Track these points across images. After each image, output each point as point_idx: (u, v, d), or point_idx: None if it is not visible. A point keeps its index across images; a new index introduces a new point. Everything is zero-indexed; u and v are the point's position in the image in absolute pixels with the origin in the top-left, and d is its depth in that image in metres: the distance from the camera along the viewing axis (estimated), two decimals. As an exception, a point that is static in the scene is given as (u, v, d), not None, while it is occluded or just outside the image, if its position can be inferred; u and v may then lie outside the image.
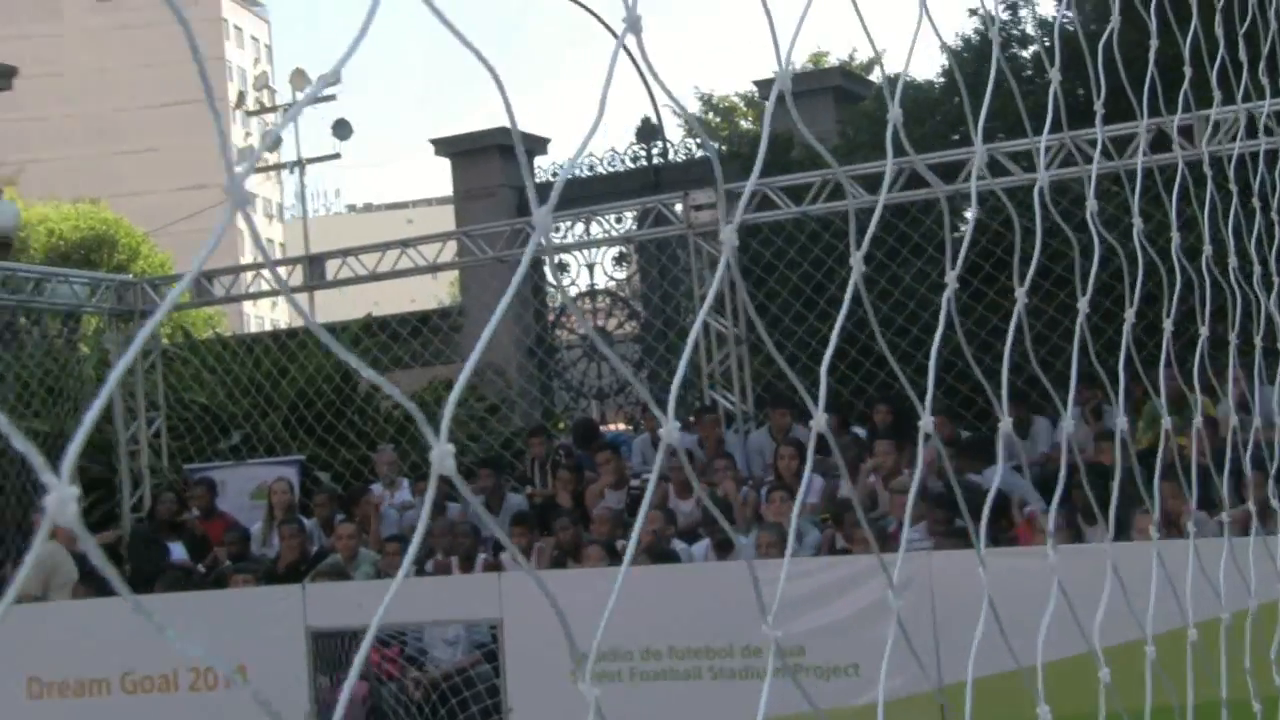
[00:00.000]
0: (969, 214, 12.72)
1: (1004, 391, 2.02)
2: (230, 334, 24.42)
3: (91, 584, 10.84)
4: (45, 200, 40.56)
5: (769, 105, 1.39)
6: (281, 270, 14.70)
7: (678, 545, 9.87)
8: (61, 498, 0.82)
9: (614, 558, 9.55)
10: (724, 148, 21.79)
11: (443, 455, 1.00)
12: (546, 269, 15.06)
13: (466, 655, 9.43)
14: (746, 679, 8.30)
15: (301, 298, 35.33)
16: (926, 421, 1.65)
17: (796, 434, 11.22)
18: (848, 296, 1.49)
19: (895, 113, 1.72)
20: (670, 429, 1.14)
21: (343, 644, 9.49)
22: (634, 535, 1.60)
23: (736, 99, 31.02)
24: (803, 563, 8.49)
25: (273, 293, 15.54)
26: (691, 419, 12.00)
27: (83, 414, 0.83)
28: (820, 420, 1.29)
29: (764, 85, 21.47)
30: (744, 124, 30.13)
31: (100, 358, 15.39)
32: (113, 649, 9.36)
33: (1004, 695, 3.57)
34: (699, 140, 19.48)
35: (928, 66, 24.71)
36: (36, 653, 9.39)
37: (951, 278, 1.74)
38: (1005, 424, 1.90)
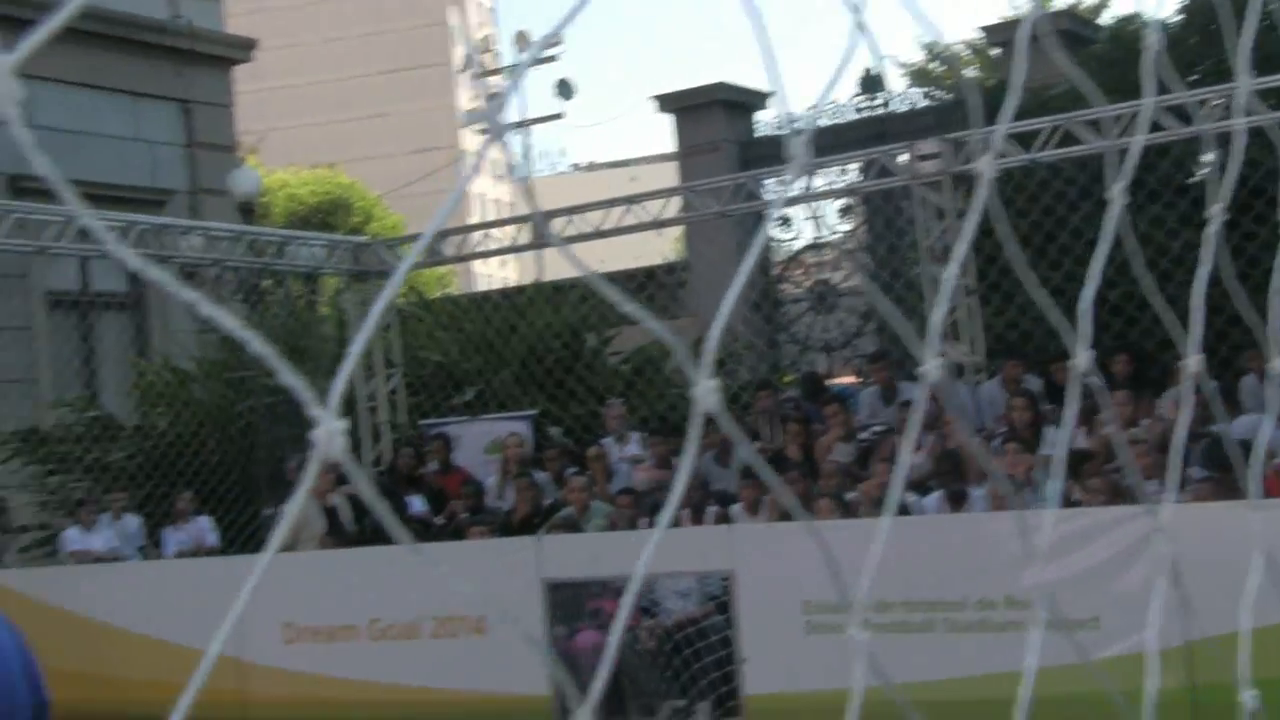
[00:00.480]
0: (1204, 158, 12.25)
1: (1274, 335, 1.96)
2: (460, 293, 24.99)
3: (338, 537, 11.28)
4: (284, 167, 41.96)
5: (1019, 46, 1.37)
6: (510, 229, 14.97)
7: (908, 498, 9.81)
8: (330, 430, 0.82)
9: (844, 510, 9.53)
10: (950, 96, 21.39)
11: (707, 391, 0.98)
12: (772, 224, 15.03)
13: (699, 606, 9.55)
14: (982, 632, 8.22)
15: (528, 256, 35.78)
16: (1194, 360, 1.61)
17: (1028, 384, 11.03)
18: (1105, 238, 1.47)
19: (1154, 39, 1.65)
20: (934, 365, 1.13)
21: (577, 595, 9.70)
22: (896, 480, 1.61)
23: (961, 47, 30.38)
24: (1040, 515, 8.35)
25: (502, 250, 15.83)
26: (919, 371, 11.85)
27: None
28: (1084, 359, 1.27)
29: (992, 31, 21.00)
30: (968, 72, 29.49)
31: (339, 317, 15.91)
32: (360, 597, 9.73)
33: (1255, 652, 3.48)
34: (924, 90, 19.17)
35: (1160, 7, 23.82)
36: (291, 600, 9.81)
37: (1218, 210, 1.69)
38: (1276, 365, 1.84)
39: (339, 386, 0.84)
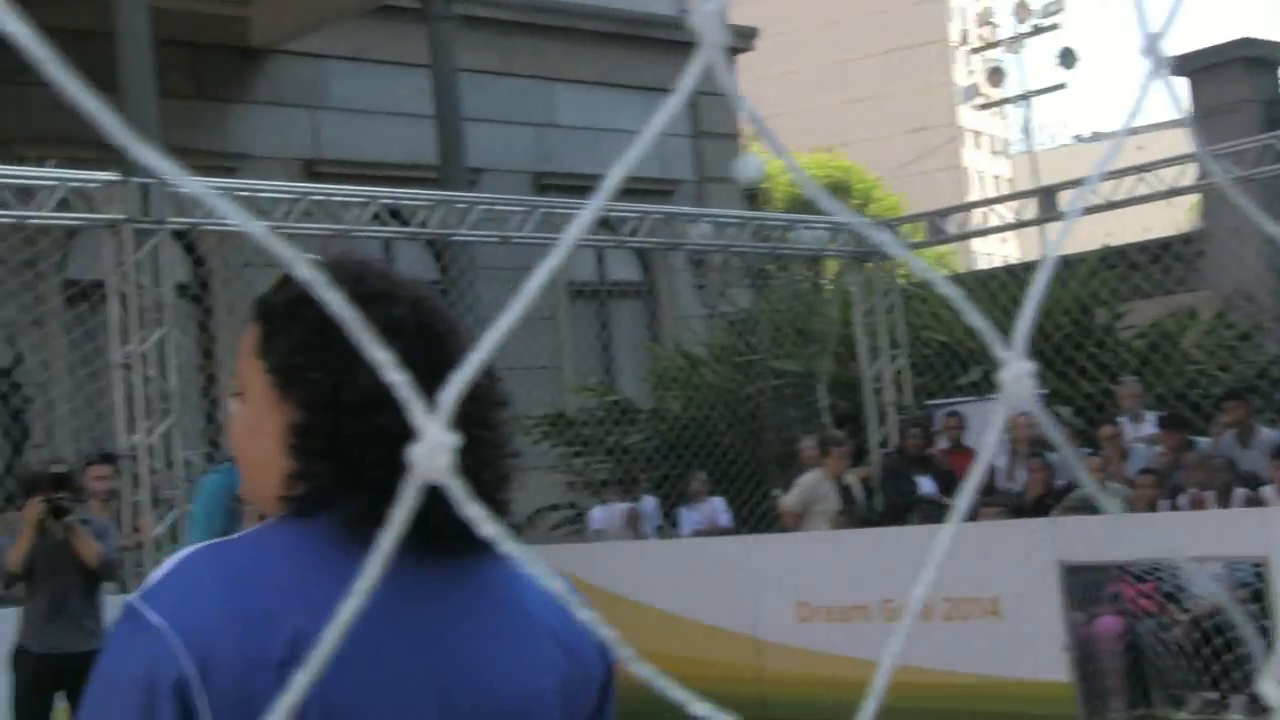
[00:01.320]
0: None
1: None
2: (963, 271, 24.65)
3: (850, 516, 11.38)
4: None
5: None
6: (1012, 205, 14.64)
7: None
8: (1016, 373, 0.74)
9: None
10: None
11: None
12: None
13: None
14: None
15: (1029, 232, 34.98)
16: None
17: None
18: None
19: None
20: None
21: (1095, 578, 9.38)
22: None
23: None
24: None
25: (1003, 228, 15.52)
26: None
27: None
28: None
29: None
30: None
31: (843, 299, 16.00)
32: (873, 577, 9.74)
33: None
34: None
35: None
36: (804, 578, 9.97)
37: None
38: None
39: (1025, 328, 0.77)
